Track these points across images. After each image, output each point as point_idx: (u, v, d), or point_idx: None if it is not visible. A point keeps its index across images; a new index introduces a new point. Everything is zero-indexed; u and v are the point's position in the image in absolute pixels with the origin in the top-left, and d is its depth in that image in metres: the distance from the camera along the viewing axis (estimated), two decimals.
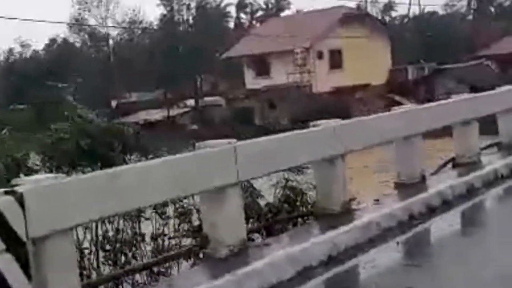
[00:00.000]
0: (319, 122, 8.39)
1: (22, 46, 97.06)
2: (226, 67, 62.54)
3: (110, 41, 75.58)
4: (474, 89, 47.24)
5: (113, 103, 65.21)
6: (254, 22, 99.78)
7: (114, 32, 75.06)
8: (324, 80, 51.01)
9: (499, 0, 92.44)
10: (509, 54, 52.98)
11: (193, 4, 78.86)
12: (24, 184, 5.29)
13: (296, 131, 8.20)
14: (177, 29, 74.08)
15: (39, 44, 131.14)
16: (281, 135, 7.87)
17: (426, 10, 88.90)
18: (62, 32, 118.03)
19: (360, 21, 52.95)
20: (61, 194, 5.40)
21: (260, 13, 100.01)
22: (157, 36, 72.87)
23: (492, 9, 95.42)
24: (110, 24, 69.00)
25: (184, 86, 68.02)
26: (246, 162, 6.92)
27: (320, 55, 52.13)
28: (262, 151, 7.30)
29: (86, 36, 77.32)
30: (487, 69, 48.95)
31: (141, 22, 73.65)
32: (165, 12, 71.64)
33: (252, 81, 55.55)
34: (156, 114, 61.89)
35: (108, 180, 5.81)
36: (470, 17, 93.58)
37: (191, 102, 66.62)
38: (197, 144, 6.87)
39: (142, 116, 62.52)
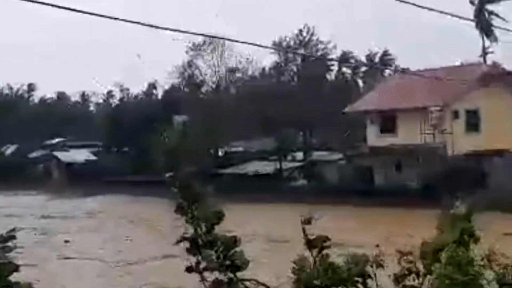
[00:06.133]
0: None
1: (121, 90, 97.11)
2: (341, 121, 59.27)
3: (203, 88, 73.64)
4: None
5: (220, 152, 62.70)
6: (356, 77, 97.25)
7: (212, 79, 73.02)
8: (459, 142, 46.99)
9: None
10: None
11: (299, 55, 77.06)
12: None
13: None
14: (285, 77, 72.02)
15: (135, 88, 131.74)
16: None
17: None
18: (160, 77, 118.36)
19: (501, 79, 48.93)
20: None
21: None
22: (262, 85, 70.68)
23: None
24: (222, 71, 67.02)
25: (293, 137, 65.17)
26: None
27: (456, 115, 48.26)
28: None
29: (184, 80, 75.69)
30: None
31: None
32: (277, 60, 69.45)
33: (375, 138, 51.93)
34: (266, 166, 58.92)
35: None
36: None
37: (299, 154, 63.64)
38: None
39: (250, 167, 59.75)
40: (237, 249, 3.46)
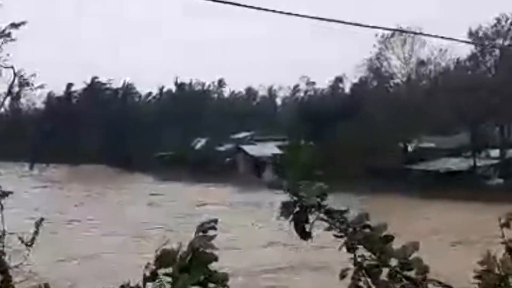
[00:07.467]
0: None
1: (307, 84, 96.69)
2: None
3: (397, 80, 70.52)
4: None
5: (409, 147, 59.64)
6: None
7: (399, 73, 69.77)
8: None
9: None
10: None
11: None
12: None
13: None
14: (481, 69, 67.14)
15: (321, 82, 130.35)
16: None
17: None
18: (346, 72, 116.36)
19: None
20: None
21: None
22: (456, 77, 66.36)
23: None
24: (413, 63, 63.75)
25: (489, 133, 60.48)
26: None
27: None
28: None
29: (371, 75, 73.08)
30: None
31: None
32: (473, 50, 65.06)
33: None
34: (458, 163, 55.31)
35: None
36: None
37: (494, 151, 58.93)
38: None
39: (442, 163, 56.42)
40: (413, 256, 3.01)
